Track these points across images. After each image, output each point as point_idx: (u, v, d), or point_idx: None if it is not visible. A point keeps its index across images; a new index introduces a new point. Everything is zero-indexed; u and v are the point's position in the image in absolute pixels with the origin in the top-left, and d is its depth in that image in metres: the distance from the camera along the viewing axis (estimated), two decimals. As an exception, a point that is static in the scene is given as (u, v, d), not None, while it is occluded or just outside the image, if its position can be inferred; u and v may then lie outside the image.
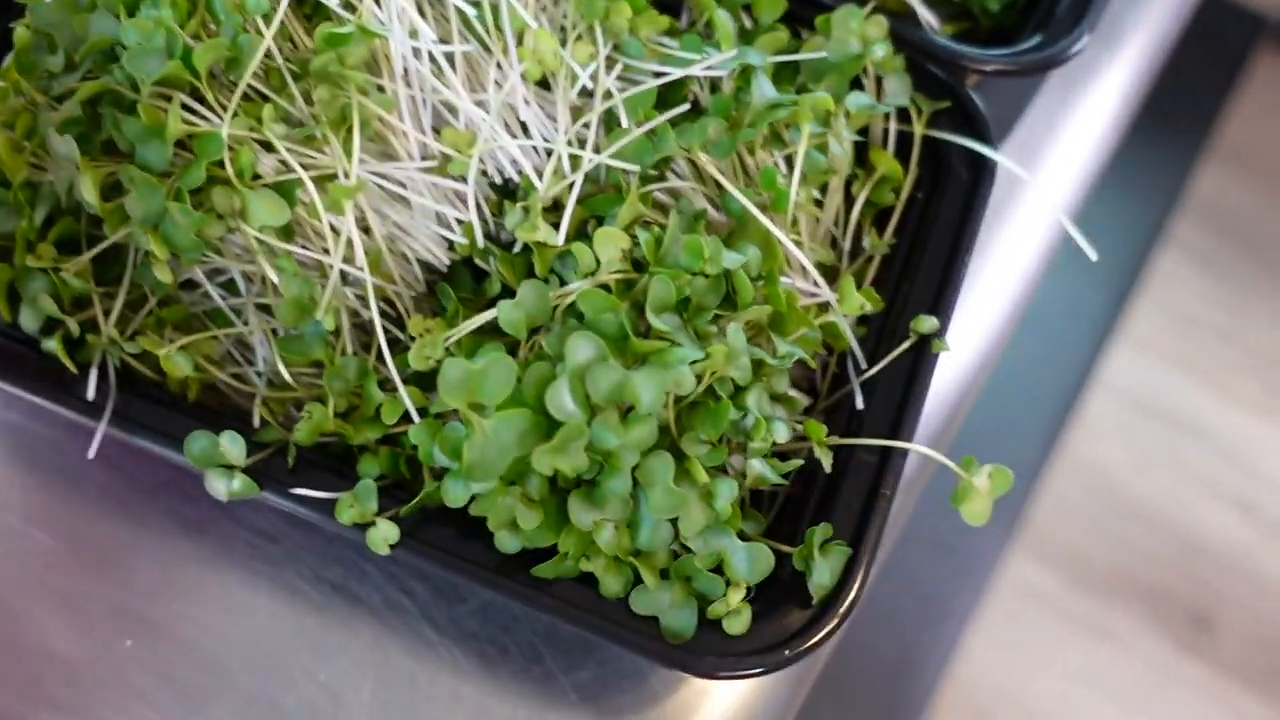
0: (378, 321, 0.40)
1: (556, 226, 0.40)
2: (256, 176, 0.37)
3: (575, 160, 0.40)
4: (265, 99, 0.37)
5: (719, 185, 0.41)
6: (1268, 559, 1.58)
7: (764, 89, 0.41)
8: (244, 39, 0.36)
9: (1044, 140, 0.60)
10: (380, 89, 0.40)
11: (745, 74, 0.42)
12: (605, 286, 0.38)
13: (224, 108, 0.36)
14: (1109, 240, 1.93)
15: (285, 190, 0.36)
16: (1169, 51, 0.69)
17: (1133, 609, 1.52)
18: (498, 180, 0.41)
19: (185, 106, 0.36)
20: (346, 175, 0.38)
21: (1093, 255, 0.45)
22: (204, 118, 0.37)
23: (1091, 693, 1.45)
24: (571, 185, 0.40)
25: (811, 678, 0.49)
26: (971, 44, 0.55)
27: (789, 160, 0.43)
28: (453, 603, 0.46)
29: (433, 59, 0.40)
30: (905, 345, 0.43)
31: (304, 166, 0.38)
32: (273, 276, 0.38)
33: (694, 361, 0.36)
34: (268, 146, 0.37)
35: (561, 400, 0.35)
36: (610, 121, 0.41)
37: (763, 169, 0.41)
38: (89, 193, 0.35)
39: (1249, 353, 1.82)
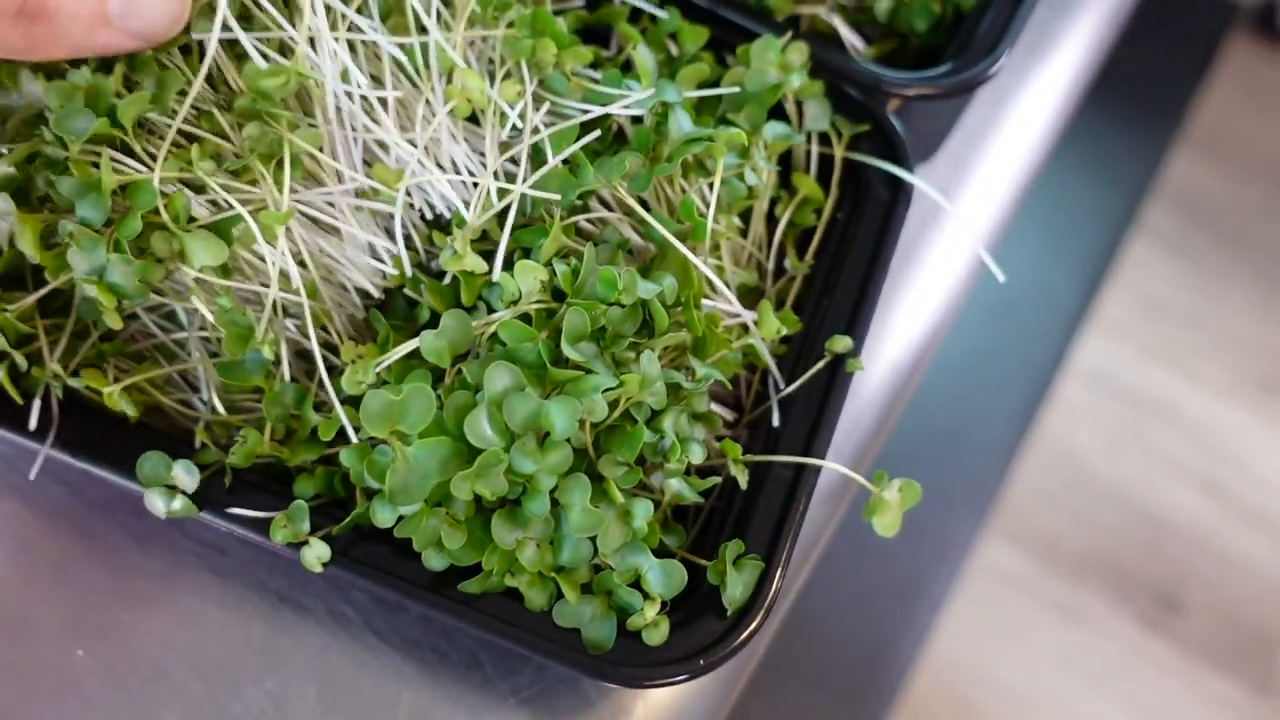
0: (316, 349, 0.42)
1: (490, 256, 0.42)
2: (193, 219, 0.39)
3: (502, 193, 0.42)
4: (198, 140, 0.39)
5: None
6: (1234, 539, 1.61)
7: (681, 123, 0.43)
8: (168, 75, 0.38)
9: (976, 151, 0.62)
10: (312, 125, 0.41)
11: (666, 107, 0.44)
12: (527, 316, 0.40)
13: (153, 157, 0.38)
14: (1081, 227, 1.95)
15: (222, 229, 0.38)
16: (1104, 56, 0.70)
17: (1102, 590, 1.55)
18: (428, 214, 0.43)
19: (116, 158, 0.38)
20: (277, 205, 0.40)
21: (1001, 277, 0.47)
22: (134, 169, 0.38)
23: (1062, 673, 1.47)
24: (502, 217, 0.42)
25: (743, 679, 0.51)
26: (899, 65, 0.57)
27: (711, 188, 0.45)
28: (394, 612, 0.48)
29: (364, 98, 0.41)
30: (820, 365, 0.45)
31: (240, 202, 0.39)
32: (208, 315, 0.39)
33: (609, 389, 0.38)
34: (202, 189, 0.39)
35: (480, 428, 0.37)
36: (539, 157, 0.43)
37: (682, 200, 0.43)
38: (29, 246, 0.37)
39: (1217, 337, 1.85)
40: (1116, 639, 1.53)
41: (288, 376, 0.42)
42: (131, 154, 0.38)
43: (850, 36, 0.55)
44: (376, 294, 0.44)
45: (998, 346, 1.81)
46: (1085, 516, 1.63)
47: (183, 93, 0.38)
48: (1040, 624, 1.54)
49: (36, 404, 0.42)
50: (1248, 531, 1.64)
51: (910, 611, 1.53)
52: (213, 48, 0.39)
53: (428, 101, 0.41)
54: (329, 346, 0.44)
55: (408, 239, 0.44)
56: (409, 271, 0.42)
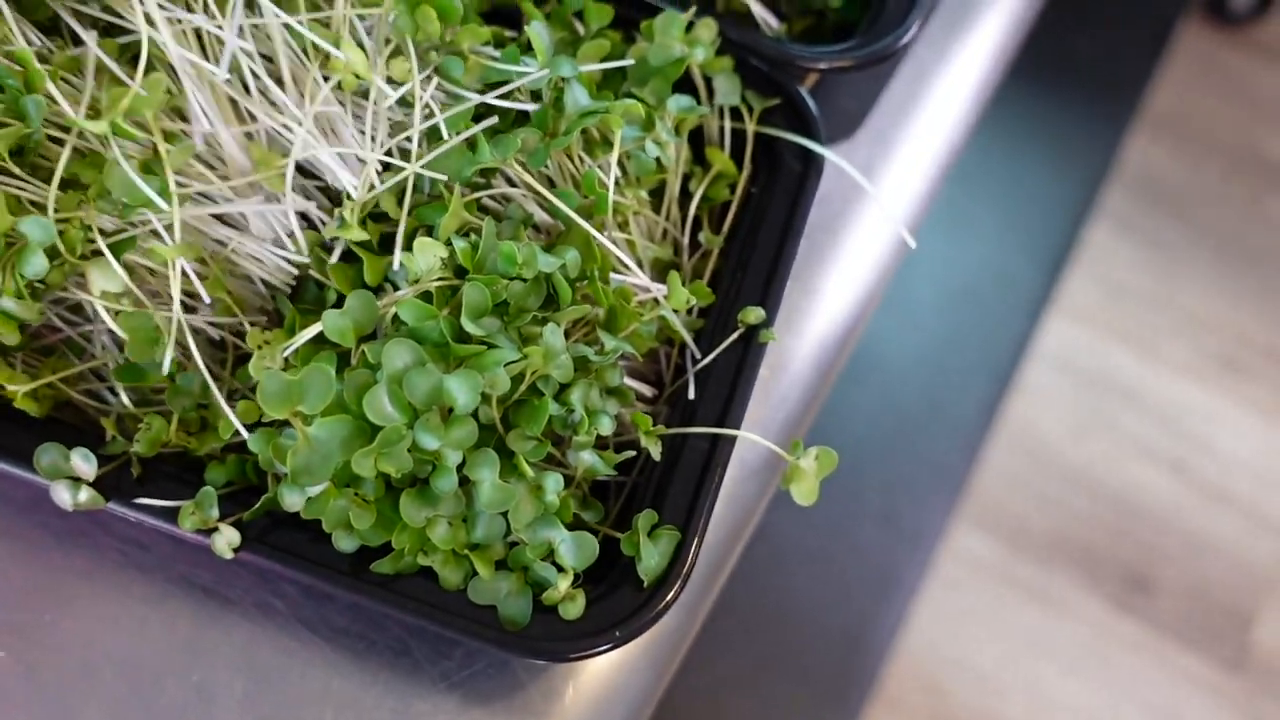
0: (205, 347, 0.42)
1: (392, 238, 0.42)
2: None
3: (397, 172, 0.42)
4: (84, 155, 0.39)
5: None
6: (1201, 518, 1.62)
7: (578, 97, 0.43)
8: (29, 101, 0.38)
9: (898, 127, 0.63)
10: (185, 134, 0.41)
11: (563, 82, 0.44)
12: (428, 294, 0.40)
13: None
14: (1040, 212, 1.96)
15: (118, 249, 0.38)
16: (1028, 26, 0.71)
17: (1072, 572, 1.55)
18: (320, 200, 0.43)
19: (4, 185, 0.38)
20: (169, 230, 0.39)
21: (911, 244, 0.47)
22: (29, 198, 0.38)
23: (1035, 656, 1.48)
24: (400, 196, 0.42)
25: (677, 657, 0.51)
26: (816, 42, 0.57)
27: (616, 163, 0.45)
28: (321, 602, 0.48)
29: (246, 87, 0.41)
30: (733, 337, 0.45)
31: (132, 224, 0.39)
32: (114, 327, 0.39)
33: (511, 362, 0.38)
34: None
35: (380, 405, 0.37)
36: (438, 137, 0.43)
37: (585, 173, 0.43)
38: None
39: (1178, 317, 1.86)
40: (1088, 621, 1.53)
41: (201, 365, 0.42)
42: (10, 174, 0.38)
43: (764, 14, 0.55)
44: (282, 287, 0.44)
45: (961, 334, 1.82)
46: (1053, 500, 1.64)
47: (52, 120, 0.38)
48: (1012, 608, 1.55)
49: (-59, 402, 0.42)
50: (1214, 510, 1.66)
51: (884, 601, 1.53)
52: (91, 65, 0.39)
53: (314, 80, 0.41)
54: (239, 334, 0.44)
55: (309, 223, 0.44)
56: (305, 254, 0.42)
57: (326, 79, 0.42)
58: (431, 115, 0.42)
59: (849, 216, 0.59)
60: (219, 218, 0.42)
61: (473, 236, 0.41)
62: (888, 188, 0.60)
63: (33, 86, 0.38)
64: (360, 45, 0.42)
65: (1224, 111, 2.08)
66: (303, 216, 0.44)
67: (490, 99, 0.42)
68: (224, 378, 0.44)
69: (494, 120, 0.42)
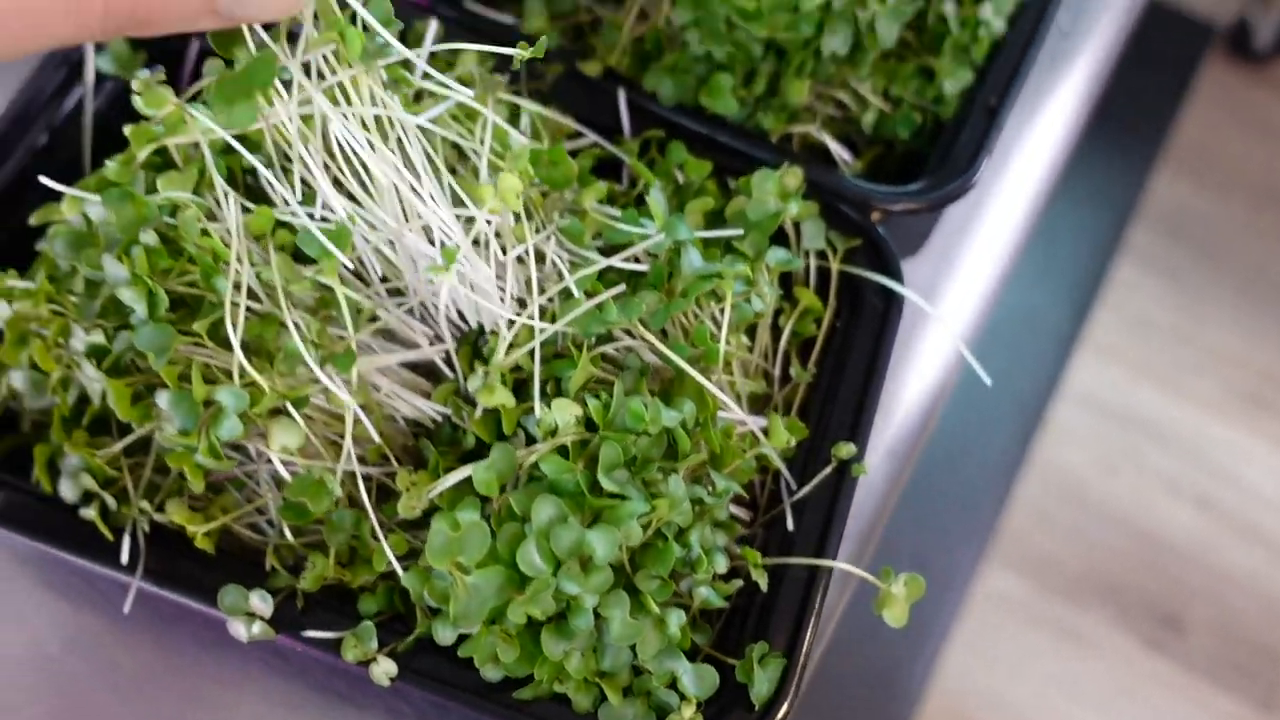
0: (363, 487, 0.46)
1: (521, 384, 0.47)
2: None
3: (531, 330, 0.46)
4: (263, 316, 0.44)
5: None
6: (1232, 555, 1.64)
7: (692, 259, 0.48)
8: (218, 283, 0.43)
9: (958, 245, 0.67)
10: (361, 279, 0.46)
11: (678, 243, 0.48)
12: (564, 448, 0.45)
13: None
14: (1067, 251, 1.99)
15: (297, 404, 0.43)
16: (1084, 130, 0.75)
17: (1103, 611, 1.58)
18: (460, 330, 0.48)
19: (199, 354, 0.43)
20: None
21: (987, 381, 0.51)
22: (220, 365, 0.43)
23: (1068, 696, 1.51)
24: (532, 352, 0.47)
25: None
26: (885, 169, 0.62)
27: (722, 313, 0.50)
28: (445, 709, 0.53)
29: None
30: (827, 470, 0.50)
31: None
32: (284, 474, 0.44)
33: (643, 514, 0.43)
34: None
35: (530, 558, 0.42)
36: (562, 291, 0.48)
37: (696, 328, 0.48)
38: (120, 408, 0.42)
39: (1205, 354, 1.89)
40: (1120, 660, 1.56)
41: (370, 512, 0.46)
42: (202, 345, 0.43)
43: (839, 151, 0.60)
44: (425, 423, 0.49)
45: (992, 373, 1.85)
46: (1084, 538, 1.67)
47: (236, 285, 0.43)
48: (1044, 648, 1.57)
49: (126, 540, 0.46)
50: (1244, 546, 1.68)
51: (916, 642, 1.56)
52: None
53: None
54: (387, 472, 0.49)
55: (448, 364, 0.49)
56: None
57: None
58: (559, 272, 0.47)
59: (916, 331, 0.63)
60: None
61: (603, 395, 0.45)
62: (953, 302, 0.65)
63: (214, 269, 0.43)
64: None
65: (1248, 148, 2.10)
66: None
67: (615, 261, 0.47)
68: (366, 513, 0.49)
69: (623, 287, 0.47)
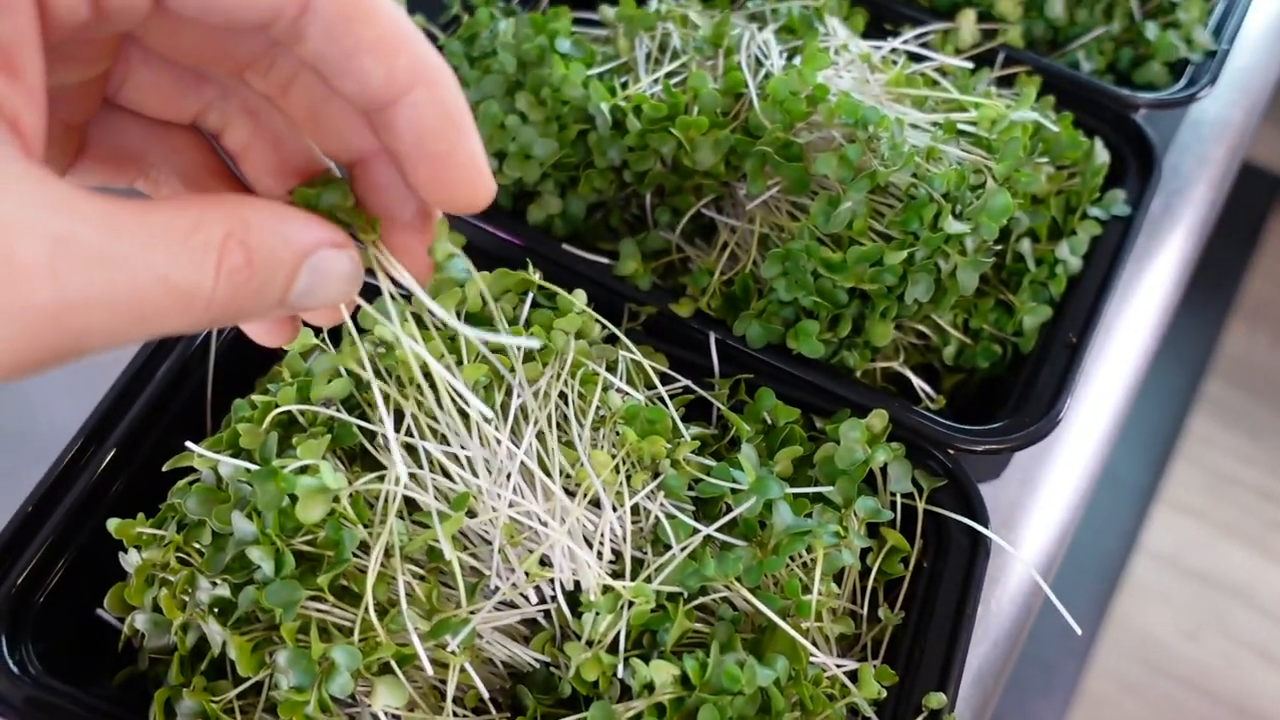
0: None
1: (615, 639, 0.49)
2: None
3: (632, 589, 0.48)
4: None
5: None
6: (1328, 727, 1.58)
7: (783, 515, 0.50)
8: (345, 536, 0.45)
9: (1043, 461, 0.68)
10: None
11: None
12: (661, 706, 0.46)
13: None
14: (1141, 404, 1.98)
15: (403, 661, 0.45)
16: (1161, 340, 0.77)
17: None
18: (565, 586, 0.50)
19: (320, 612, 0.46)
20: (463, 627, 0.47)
21: (1077, 630, 0.52)
22: (334, 620, 0.46)
23: None
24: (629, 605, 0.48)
25: None
26: (963, 401, 0.64)
27: (813, 561, 0.51)
28: None
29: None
30: (919, 721, 0.51)
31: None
32: (391, 728, 0.46)
33: (739, 777, 0.44)
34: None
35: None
36: (657, 539, 0.50)
37: (787, 582, 0.50)
38: (241, 662, 0.44)
39: (1287, 511, 1.85)
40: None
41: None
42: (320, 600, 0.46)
43: (921, 385, 0.62)
44: (521, 667, 0.51)
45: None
46: (1170, 705, 1.62)
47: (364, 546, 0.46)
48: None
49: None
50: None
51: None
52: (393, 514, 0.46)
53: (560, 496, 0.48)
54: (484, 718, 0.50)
55: (545, 616, 0.51)
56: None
57: (570, 494, 0.49)
58: (657, 528, 0.49)
59: (998, 564, 0.64)
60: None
61: (700, 656, 0.47)
62: (1034, 530, 0.66)
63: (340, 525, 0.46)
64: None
65: (1319, 300, 2.09)
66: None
67: (711, 531, 0.49)
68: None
69: (719, 544, 0.49)
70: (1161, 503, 1.86)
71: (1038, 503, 0.66)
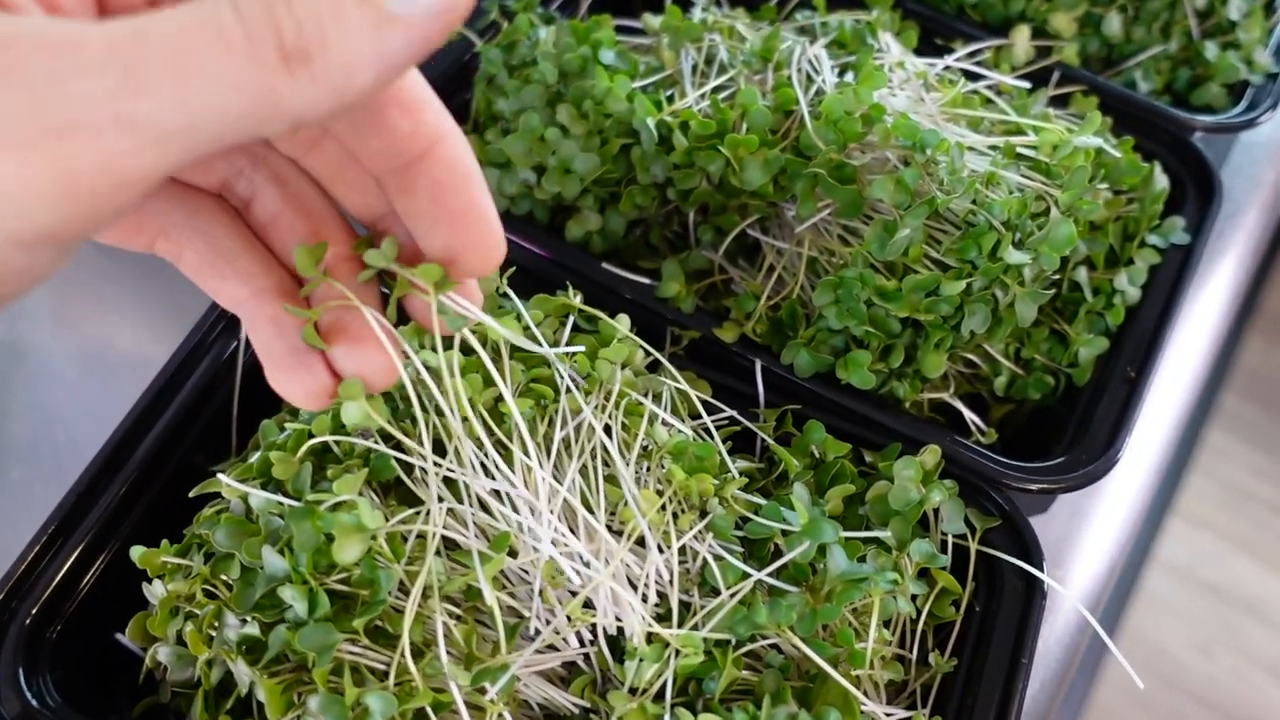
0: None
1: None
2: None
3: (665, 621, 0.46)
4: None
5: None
6: (1340, 748, 1.57)
7: (837, 560, 0.47)
8: (382, 576, 0.43)
9: (1092, 495, 0.66)
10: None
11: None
12: (709, 759, 0.44)
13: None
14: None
15: (439, 706, 0.43)
16: (1212, 372, 0.75)
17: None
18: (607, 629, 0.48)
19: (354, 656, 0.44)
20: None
21: (1140, 684, 0.50)
22: (367, 662, 0.44)
23: None
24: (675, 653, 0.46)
25: None
26: (1012, 431, 0.61)
27: (864, 606, 0.49)
28: None
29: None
30: (974, 776, 0.48)
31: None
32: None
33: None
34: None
35: None
36: (704, 581, 0.48)
37: (840, 630, 0.47)
38: (270, 707, 0.42)
39: (1303, 526, 1.83)
40: None
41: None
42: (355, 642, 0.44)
43: (973, 419, 0.59)
44: (557, 710, 0.49)
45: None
46: (1179, 716, 1.61)
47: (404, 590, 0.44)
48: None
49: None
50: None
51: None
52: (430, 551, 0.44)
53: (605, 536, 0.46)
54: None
55: (585, 659, 0.48)
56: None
57: (614, 532, 0.47)
58: (705, 570, 0.47)
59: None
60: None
61: (750, 708, 0.45)
62: (1082, 566, 0.63)
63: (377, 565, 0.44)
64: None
65: (1335, 312, 2.08)
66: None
67: (763, 576, 0.47)
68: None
69: (766, 588, 0.47)
70: (1176, 515, 1.85)
71: (1086, 538, 0.64)
